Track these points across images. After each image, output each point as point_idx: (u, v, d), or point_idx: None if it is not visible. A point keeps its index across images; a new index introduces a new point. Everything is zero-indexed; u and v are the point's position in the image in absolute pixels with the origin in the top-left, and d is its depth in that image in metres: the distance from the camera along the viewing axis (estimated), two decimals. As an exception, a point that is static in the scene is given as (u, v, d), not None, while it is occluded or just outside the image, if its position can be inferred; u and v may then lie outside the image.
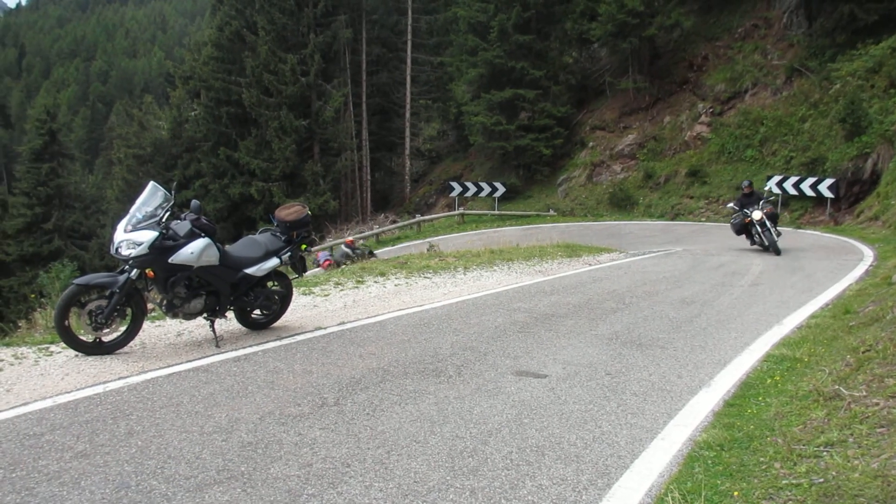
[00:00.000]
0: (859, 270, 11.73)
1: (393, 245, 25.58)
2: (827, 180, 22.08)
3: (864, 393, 4.29)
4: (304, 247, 6.91)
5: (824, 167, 22.80)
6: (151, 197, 5.91)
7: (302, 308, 8.02)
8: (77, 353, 5.73)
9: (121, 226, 5.78)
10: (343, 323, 7.18)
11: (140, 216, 5.79)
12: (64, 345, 5.81)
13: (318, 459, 3.74)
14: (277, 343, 6.25)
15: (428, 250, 15.55)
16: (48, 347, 6.02)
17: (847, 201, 22.20)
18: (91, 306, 5.66)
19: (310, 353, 5.93)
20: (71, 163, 44.44)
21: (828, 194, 22.06)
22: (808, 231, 20.60)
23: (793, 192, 22.98)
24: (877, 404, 4.06)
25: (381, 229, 28.89)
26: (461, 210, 30.92)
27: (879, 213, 19.11)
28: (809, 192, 22.53)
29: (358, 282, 10.00)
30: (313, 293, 9.03)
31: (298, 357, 5.78)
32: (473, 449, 3.93)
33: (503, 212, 30.17)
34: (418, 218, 30.60)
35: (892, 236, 16.25)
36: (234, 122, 36.65)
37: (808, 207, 23.21)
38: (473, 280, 10.65)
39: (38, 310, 11.31)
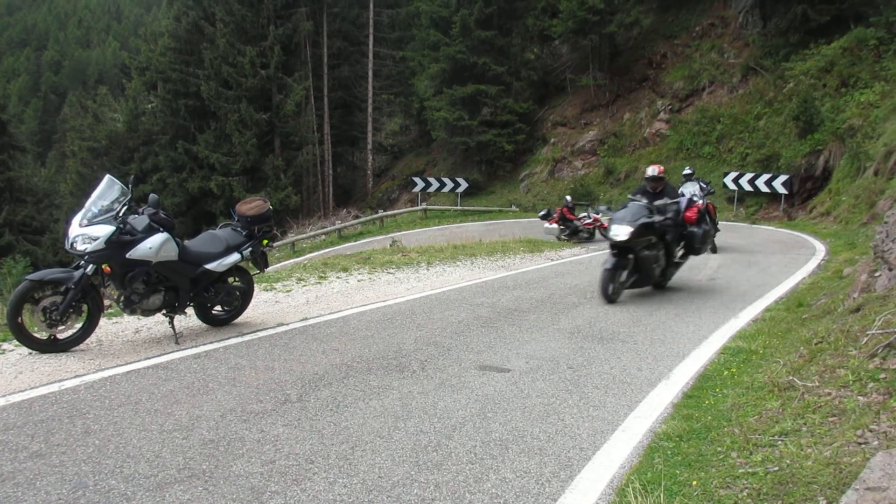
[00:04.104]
0: (812, 265, 12.06)
1: (355, 240, 25.45)
2: (781, 177, 22.65)
3: (817, 383, 4.42)
4: (265, 242, 6.83)
5: (778, 164, 23.40)
6: (108, 191, 5.77)
7: (263, 304, 7.93)
8: (31, 350, 5.58)
9: (76, 220, 5.64)
10: (305, 319, 7.12)
11: (96, 210, 5.65)
12: (17, 342, 5.66)
13: (281, 456, 3.71)
14: (239, 339, 6.17)
15: (391, 245, 15.50)
16: (0, 345, 5.85)
17: (800, 197, 22.82)
18: (45, 303, 5.51)
19: (272, 349, 5.87)
20: (22, 155, 43.12)
21: (782, 190, 22.64)
22: (763, 226, 21.10)
23: (748, 188, 23.51)
24: (829, 394, 4.18)
25: (343, 224, 28.70)
26: (424, 205, 30.92)
27: (831, 209, 19.67)
28: (764, 189, 23.09)
29: (320, 277, 9.93)
30: (275, 289, 8.94)
31: (260, 353, 5.72)
32: (437, 443, 3.94)
33: (466, 207, 30.25)
34: (381, 213, 30.51)
35: (843, 231, 16.74)
36: (192, 115, 35.96)
37: (763, 203, 23.78)
38: (436, 275, 10.66)
39: (-11, 307, 10.98)
